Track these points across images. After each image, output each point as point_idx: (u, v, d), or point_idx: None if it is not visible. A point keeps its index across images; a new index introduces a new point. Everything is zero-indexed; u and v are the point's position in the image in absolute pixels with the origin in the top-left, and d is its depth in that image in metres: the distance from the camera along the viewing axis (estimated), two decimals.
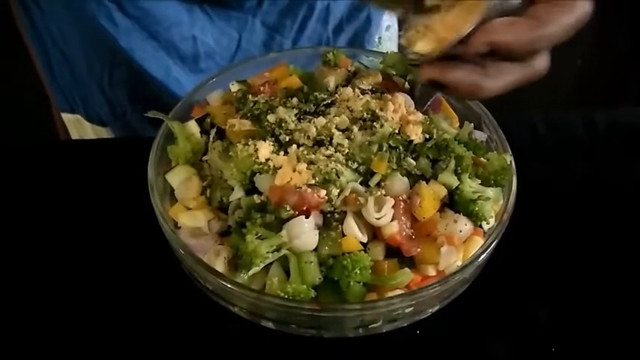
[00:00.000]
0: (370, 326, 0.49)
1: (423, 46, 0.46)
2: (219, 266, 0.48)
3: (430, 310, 0.51)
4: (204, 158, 0.57)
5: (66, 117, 0.88)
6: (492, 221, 0.52)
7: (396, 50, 0.95)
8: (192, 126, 0.57)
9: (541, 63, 0.44)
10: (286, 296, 0.46)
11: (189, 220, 0.52)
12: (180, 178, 0.55)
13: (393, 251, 0.50)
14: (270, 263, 0.48)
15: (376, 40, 0.90)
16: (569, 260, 0.61)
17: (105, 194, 0.65)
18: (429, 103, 0.59)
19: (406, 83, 0.62)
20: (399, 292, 0.47)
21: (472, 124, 0.59)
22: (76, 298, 0.57)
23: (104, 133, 0.88)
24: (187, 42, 0.78)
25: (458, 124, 0.60)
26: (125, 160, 0.63)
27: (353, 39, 0.87)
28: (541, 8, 0.43)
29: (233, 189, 0.53)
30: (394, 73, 0.62)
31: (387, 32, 0.93)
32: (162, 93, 0.80)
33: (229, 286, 0.47)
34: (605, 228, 0.64)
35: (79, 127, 0.89)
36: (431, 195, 0.50)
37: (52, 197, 0.66)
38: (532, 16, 0.42)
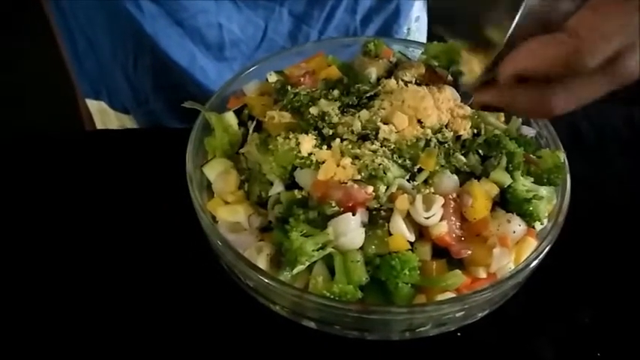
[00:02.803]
0: (417, 330, 0.46)
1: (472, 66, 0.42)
2: (262, 263, 0.45)
3: (480, 315, 0.48)
4: (242, 151, 0.54)
5: (90, 103, 0.87)
6: (545, 221, 0.48)
7: (425, 41, 0.92)
8: (230, 117, 0.55)
9: (627, 67, 0.35)
10: (332, 296, 0.43)
11: (229, 215, 0.49)
12: (217, 170, 0.53)
13: (440, 250, 0.47)
14: (314, 262, 0.45)
15: (405, 31, 0.87)
16: (616, 261, 0.58)
17: (136, 187, 0.62)
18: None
19: (449, 75, 0.58)
20: (449, 295, 0.45)
21: (520, 119, 0.55)
22: (110, 292, 0.55)
23: (127, 120, 0.86)
24: (213, 29, 0.75)
25: (504, 118, 0.57)
26: (154, 151, 0.61)
27: (381, 30, 0.83)
28: (585, 17, 0.35)
29: (272, 183, 0.50)
30: (437, 64, 0.59)
31: (416, 23, 0.90)
32: (186, 81, 0.77)
33: (273, 284, 0.44)
34: None
35: (102, 114, 0.87)
36: (483, 194, 0.47)
37: (83, 189, 0.63)
38: (572, 29, 0.34)
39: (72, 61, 0.83)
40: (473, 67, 0.42)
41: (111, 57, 0.79)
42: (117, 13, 0.73)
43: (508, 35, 0.36)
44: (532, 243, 0.48)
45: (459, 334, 0.52)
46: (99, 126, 0.89)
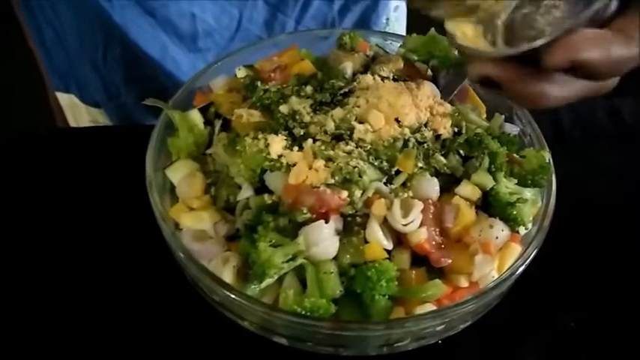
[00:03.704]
0: (395, 345, 0.43)
1: (477, 41, 0.37)
2: (227, 276, 0.42)
3: (462, 326, 0.44)
4: (208, 152, 0.50)
5: (61, 97, 0.83)
6: (530, 226, 0.45)
7: (404, 32, 0.89)
8: (195, 116, 0.51)
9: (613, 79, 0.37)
10: (304, 312, 0.39)
11: (193, 222, 0.45)
12: (181, 173, 0.49)
13: (419, 258, 0.44)
14: (285, 273, 0.42)
15: (384, 21, 0.85)
16: (601, 264, 0.56)
17: (102, 188, 0.58)
18: (455, 92, 0.52)
19: (429, 70, 0.55)
20: (429, 307, 0.41)
21: (503, 116, 0.52)
22: (68, 303, 0.51)
23: (99, 115, 0.83)
24: (185, 19, 0.72)
25: (485, 115, 0.54)
26: (124, 150, 0.56)
27: (360, 19, 0.81)
28: (631, 23, 0.34)
29: (240, 187, 0.46)
30: (416, 58, 0.55)
31: (394, 13, 0.87)
32: (158, 73, 0.74)
33: (239, 299, 0.40)
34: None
35: (73, 108, 0.84)
36: (467, 206, 0.43)
37: (45, 191, 0.59)
38: (620, 30, 0.34)
39: (41, 54, 0.80)
40: (467, 31, 0.37)
41: (79, 49, 0.76)
42: (84, 3, 0.69)
43: (566, 27, 0.33)
44: (516, 249, 0.44)
45: (440, 341, 0.49)
46: (70, 120, 0.85)
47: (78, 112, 0.83)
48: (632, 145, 0.66)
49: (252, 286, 0.41)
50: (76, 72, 0.79)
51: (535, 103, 0.36)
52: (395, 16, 0.87)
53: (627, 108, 0.70)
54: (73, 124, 0.85)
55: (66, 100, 0.83)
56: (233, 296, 0.40)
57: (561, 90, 0.35)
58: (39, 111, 0.89)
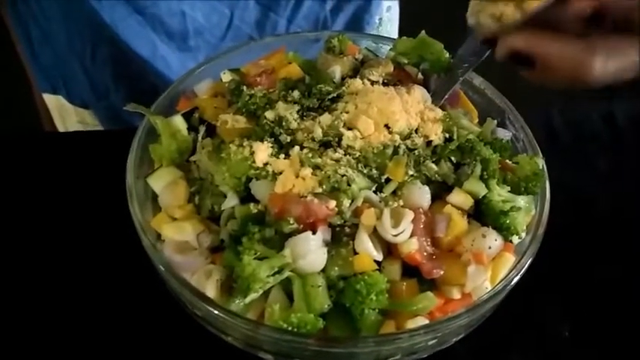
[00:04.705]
0: None
1: (503, 10, 0.35)
2: (210, 291, 0.40)
3: (454, 340, 0.43)
4: (192, 159, 0.48)
5: (48, 98, 0.82)
6: (523, 235, 0.44)
7: (396, 33, 0.87)
8: (178, 121, 0.48)
9: None
10: (290, 328, 0.38)
11: (175, 233, 0.43)
12: (164, 181, 0.47)
13: (410, 269, 0.42)
14: (270, 287, 0.40)
15: (376, 21, 0.84)
16: (595, 271, 0.54)
17: (87, 195, 0.56)
18: (446, 96, 0.50)
19: (419, 73, 0.53)
20: (420, 320, 0.39)
21: (495, 120, 0.50)
22: (49, 311, 0.49)
23: (87, 115, 0.81)
24: (175, 17, 0.71)
25: (477, 120, 0.52)
26: (111, 155, 0.54)
27: (352, 20, 0.80)
28: None
29: (225, 196, 0.44)
30: (406, 61, 0.54)
31: (387, 13, 0.86)
32: (148, 72, 0.73)
33: (222, 315, 0.38)
34: (635, 235, 0.56)
35: (61, 110, 0.82)
36: (459, 215, 0.42)
37: (29, 197, 0.57)
38: None
39: (27, 54, 0.78)
40: (505, 10, 0.36)
41: (67, 49, 0.74)
42: (72, 1, 0.68)
43: None
44: (510, 259, 0.43)
45: None
46: (57, 122, 0.83)
47: (65, 114, 0.82)
48: (626, 149, 0.65)
49: (237, 301, 0.39)
50: (63, 72, 0.77)
51: (575, 75, 0.31)
52: (387, 17, 0.86)
53: (621, 112, 0.69)
54: (60, 125, 0.83)
55: (53, 102, 0.81)
56: (216, 312, 0.38)
57: (606, 61, 0.31)
58: (25, 113, 0.87)
